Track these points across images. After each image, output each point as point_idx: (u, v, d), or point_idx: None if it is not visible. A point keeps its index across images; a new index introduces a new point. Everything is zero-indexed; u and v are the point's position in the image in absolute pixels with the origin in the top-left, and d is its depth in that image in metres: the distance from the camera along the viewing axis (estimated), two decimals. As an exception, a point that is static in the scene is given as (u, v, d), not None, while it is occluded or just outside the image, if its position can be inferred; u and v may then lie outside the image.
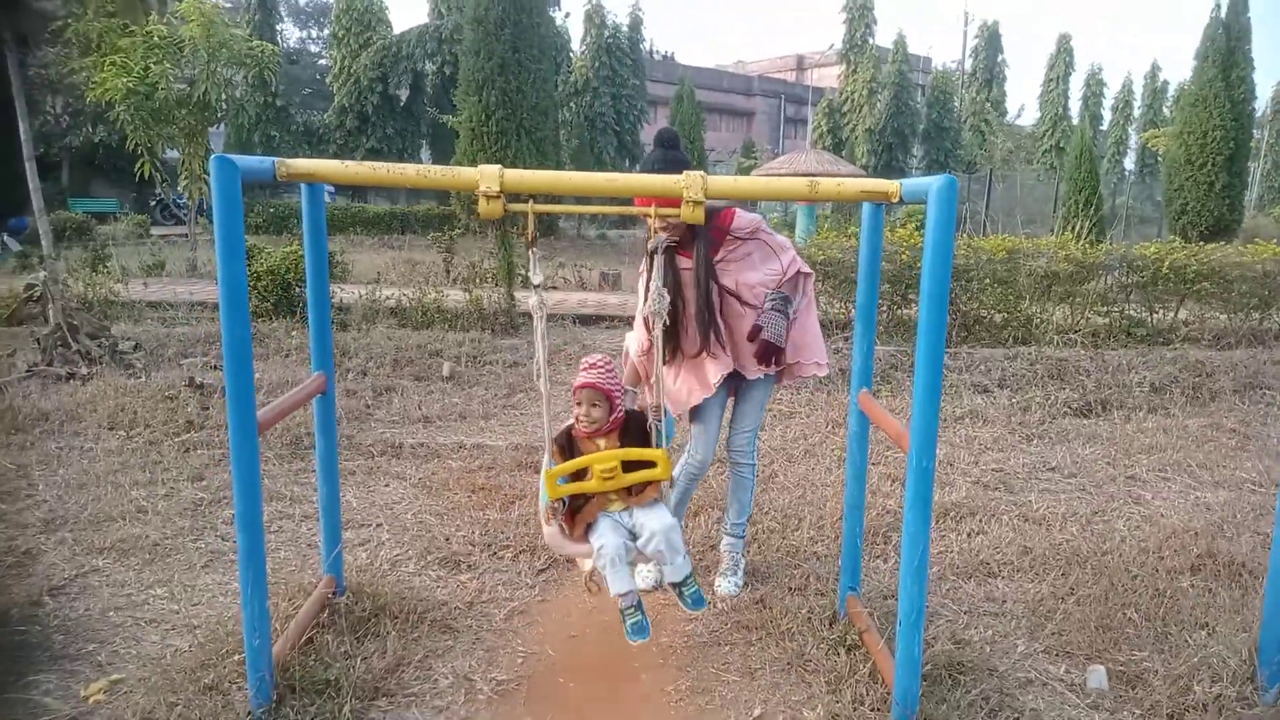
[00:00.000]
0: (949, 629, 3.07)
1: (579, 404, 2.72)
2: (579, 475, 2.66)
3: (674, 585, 2.73)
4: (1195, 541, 3.77)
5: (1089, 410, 6.10)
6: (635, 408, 3.14)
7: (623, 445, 2.72)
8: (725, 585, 3.34)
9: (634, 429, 2.77)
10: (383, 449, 4.91)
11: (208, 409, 5.29)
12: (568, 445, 2.76)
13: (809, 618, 3.03)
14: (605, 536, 2.65)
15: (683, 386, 3.23)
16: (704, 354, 3.14)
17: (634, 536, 2.69)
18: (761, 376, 3.23)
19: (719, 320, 3.11)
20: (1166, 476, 4.82)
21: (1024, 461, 5.00)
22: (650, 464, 2.67)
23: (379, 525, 3.90)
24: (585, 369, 2.75)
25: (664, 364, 3.19)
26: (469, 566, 3.50)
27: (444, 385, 6.29)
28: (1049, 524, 4.05)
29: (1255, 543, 3.83)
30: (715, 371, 3.14)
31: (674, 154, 3.03)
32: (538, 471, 3.03)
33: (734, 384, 3.31)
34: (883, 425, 2.64)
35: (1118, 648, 2.94)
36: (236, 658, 2.63)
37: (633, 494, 2.71)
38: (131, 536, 3.63)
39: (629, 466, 2.65)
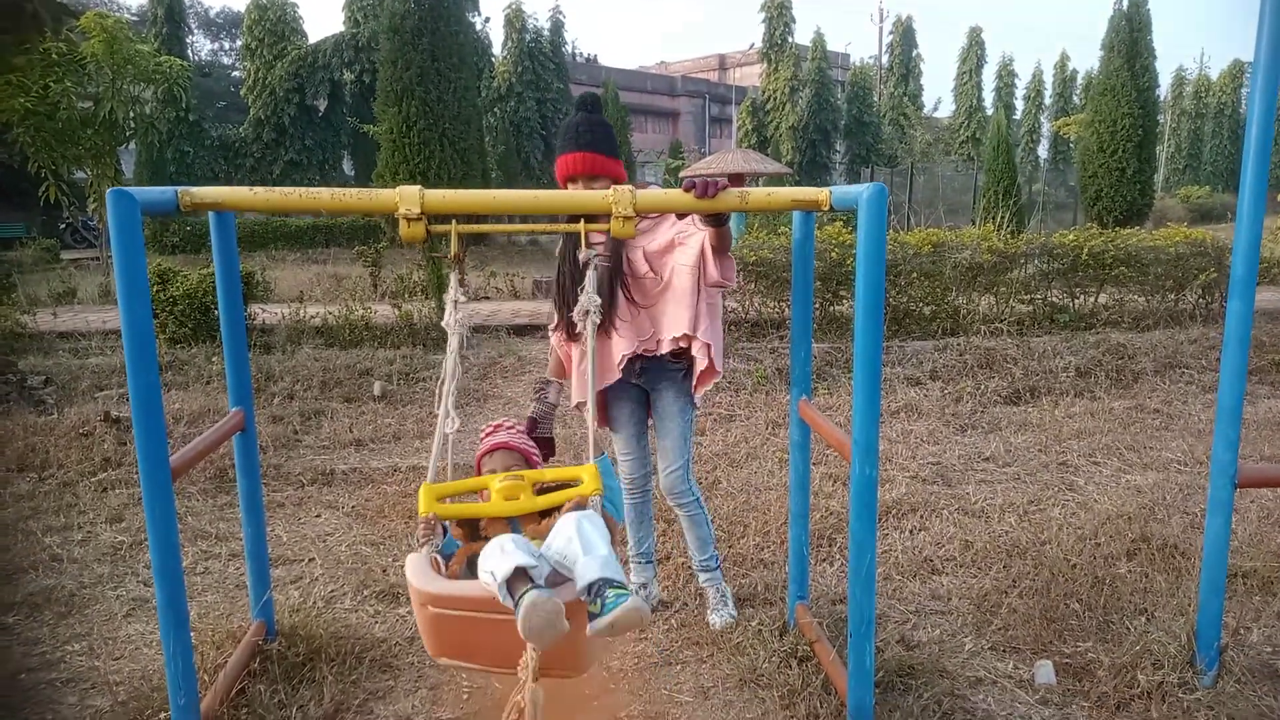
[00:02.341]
0: (897, 631, 3.07)
1: (493, 472, 2.25)
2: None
3: (587, 590, 1.82)
4: (1129, 526, 3.85)
5: (1018, 398, 6.23)
6: (551, 403, 2.98)
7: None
8: (719, 620, 3.14)
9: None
10: (313, 477, 4.73)
11: (125, 444, 5.03)
12: (469, 527, 2.18)
13: (759, 630, 2.99)
14: (502, 537, 1.93)
15: (586, 372, 3.05)
16: (606, 332, 2.92)
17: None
18: (669, 362, 2.98)
19: (620, 293, 2.91)
20: (1097, 461, 4.93)
21: (959, 453, 5.07)
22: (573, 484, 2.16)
23: (311, 560, 3.75)
24: (490, 431, 2.41)
25: (565, 345, 3.07)
26: (408, 599, 3.38)
27: (376, 406, 6.12)
28: (988, 516, 4.10)
29: (1185, 523, 3.94)
30: (619, 350, 2.94)
31: (596, 117, 2.86)
32: None
33: (649, 405, 3.15)
34: (825, 435, 2.62)
35: (1063, 640, 2.98)
36: (163, 716, 2.48)
37: (545, 520, 2.11)
38: (45, 588, 3.42)
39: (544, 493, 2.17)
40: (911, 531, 3.95)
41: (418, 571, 1.97)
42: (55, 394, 6.22)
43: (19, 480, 4.62)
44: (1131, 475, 4.68)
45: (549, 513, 2.13)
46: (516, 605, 1.73)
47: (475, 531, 2.16)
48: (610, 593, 1.78)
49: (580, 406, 3.07)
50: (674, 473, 3.11)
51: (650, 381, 3.09)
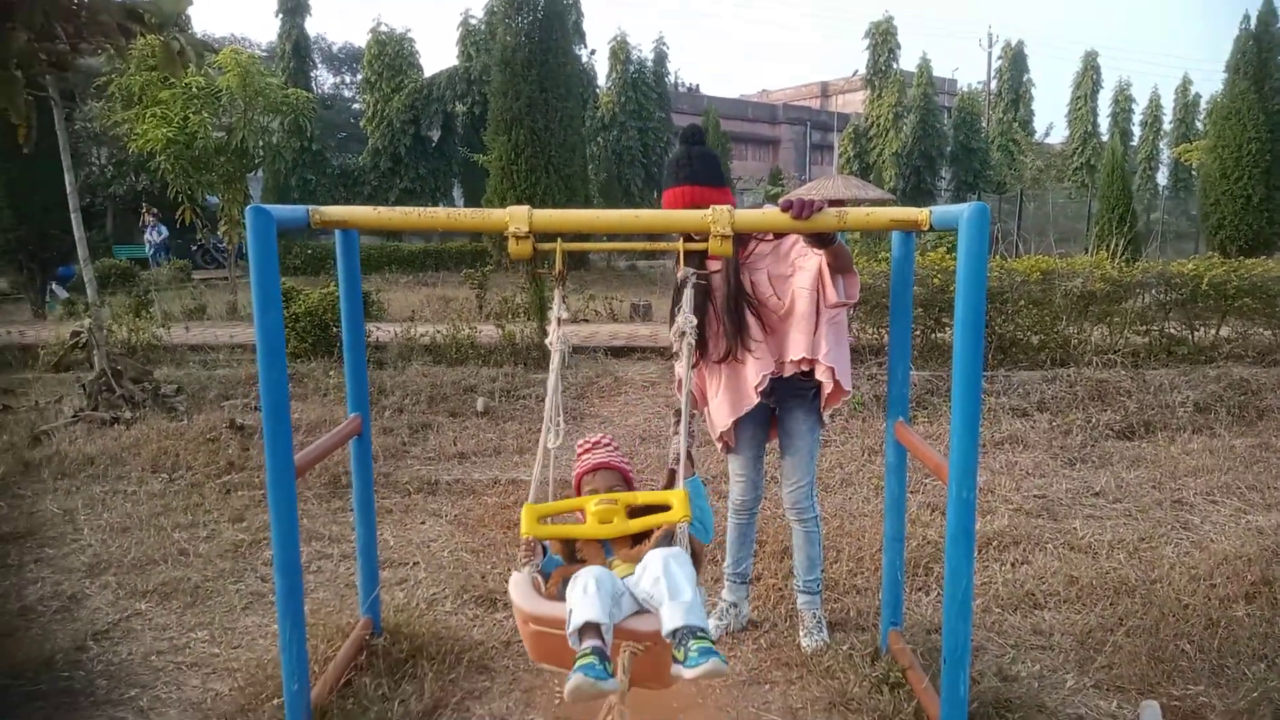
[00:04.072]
0: (995, 664, 3.00)
1: (594, 492, 2.31)
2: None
3: (672, 635, 1.88)
4: (1249, 568, 3.65)
5: (1132, 432, 5.98)
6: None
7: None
8: (811, 642, 3.13)
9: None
10: (419, 486, 4.94)
11: (248, 449, 5.36)
12: (567, 547, 2.28)
13: (850, 654, 2.97)
14: (592, 570, 2.01)
15: (724, 401, 3.06)
16: (740, 358, 2.98)
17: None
18: (799, 381, 3.00)
19: (748, 317, 2.96)
20: (1215, 500, 4.69)
21: (1067, 487, 4.90)
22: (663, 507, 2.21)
23: (416, 564, 3.91)
24: (588, 448, 2.42)
25: (698, 372, 3.13)
26: (505, 605, 3.49)
27: (478, 421, 6.33)
28: (1095, 552, 3.96)
29: (1313, 568, 3.71)
30: (756, 373, 2.96)
31: (697, 149, 2.92)
32: None
33: (774, 423, 3.20)
34: (921, 456, 2.60)
35: (1171, 681, 2.85)
36: (276, 702, 2.64)
37: (637, 546, 2.19)
38: (174, 579, 3.68)
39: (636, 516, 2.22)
40: (1014, 564, 3.85)
41: (520, 590, 2.10)
42: (185, 402, 6.66)
43: (152, 480, 4.97)
44: (1253, 516, 4.43)
45: (640, 536, 2.19)
46: (573, 668, 1.81)
47: (572, 551, 2.26)
48: (694, 645, 1.84)
49: (720, 437, 3.14)
50: (800, 488, 3.15)
51: (780, 400, 3.13)
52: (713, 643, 1.86)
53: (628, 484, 2.41)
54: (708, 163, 2.91)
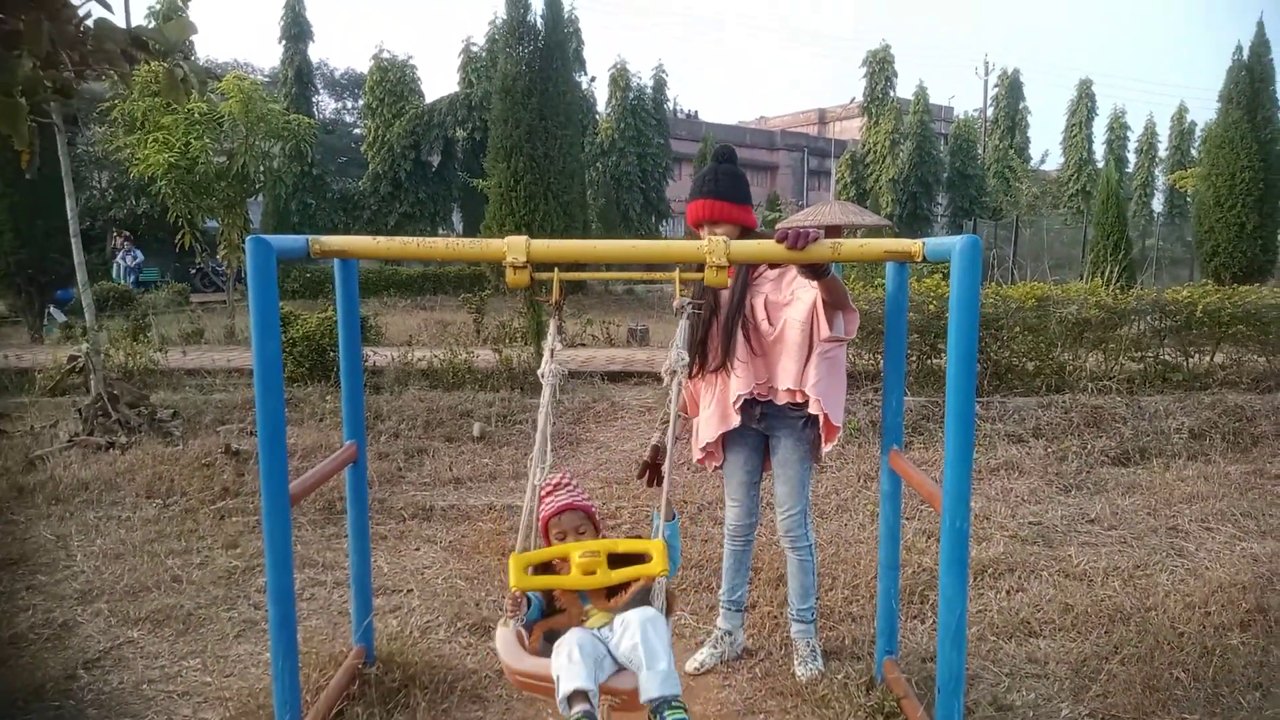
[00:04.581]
0: (990, 693, 2.99)
1: (561, 536, 2.35)
2: (547, 569, 2.30)
3: (650, 704, 2.02)
4: (1243, 596, 3.66)
5: (1127, 459, 5.99)
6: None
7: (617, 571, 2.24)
8: (806, 672, 3.13)
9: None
10: (414, 512, 4.93)
11: (243, 475, 5.35)
12: (547, 594, 2.33)
13: (845, 684, 2.96)
14: (574, 636, 2.11)
15: (713, 414, 3.09)
16: (728, 373, 3.03)
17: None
18: (790, 410, 3.02)
19: (740, 334, 3.01)
20: (1210, 527, 4.69)
21: (1062, 513, 4.90)
22: (643, 557, 2.24)
23: (410, 591, 3.90)
24: (551, 490, 2.40)
25: (694, 382, 3.17)
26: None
27: (474, 446, 6.33)
28: (1090, 579, 3.96)
29: (1308, 596, 3.71)
30: (734, 390, 3.00)
31: (725, 167, 3.01)
32: None
33: (766, 451, 3.20)
34: (915, 485, 2.61)
35: (1166, 710, 2.85)
36: (268, 731, 2.63)
37: (613, 597, 2.27)
38: (166, 607, 3.66)
39: (615, 564, 2.26)
40: (1009, 592, 3.85)
41: (507, 647, 2.21)
42: (181, 426, 6.65)
43: (147, 506, 4.96)
44: (1248, 543, 4.44)
45: (619, 587, 2.27)
46: None
47: (551, 598, 2.34)
48: (668, 715, 1.99)
49: (703, 450, 3.17)
50: (792, 516, 3.15)
51: (770, 427, 3.14)
52: (685, 711, 2.01)
53: (592, 521, 2.42)
54: (734, 181, 3.00)
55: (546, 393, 2.34)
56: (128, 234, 20.47)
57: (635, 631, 2.08)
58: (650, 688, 2.02)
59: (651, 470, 3.08)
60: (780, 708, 2.96)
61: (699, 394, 3.22)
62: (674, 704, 2.01)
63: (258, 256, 2.25)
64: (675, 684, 2.04)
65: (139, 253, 20.59)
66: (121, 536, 4.46)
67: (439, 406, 7.03)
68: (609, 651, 2.13)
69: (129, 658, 3.28)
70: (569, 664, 2.03)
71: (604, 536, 2.40)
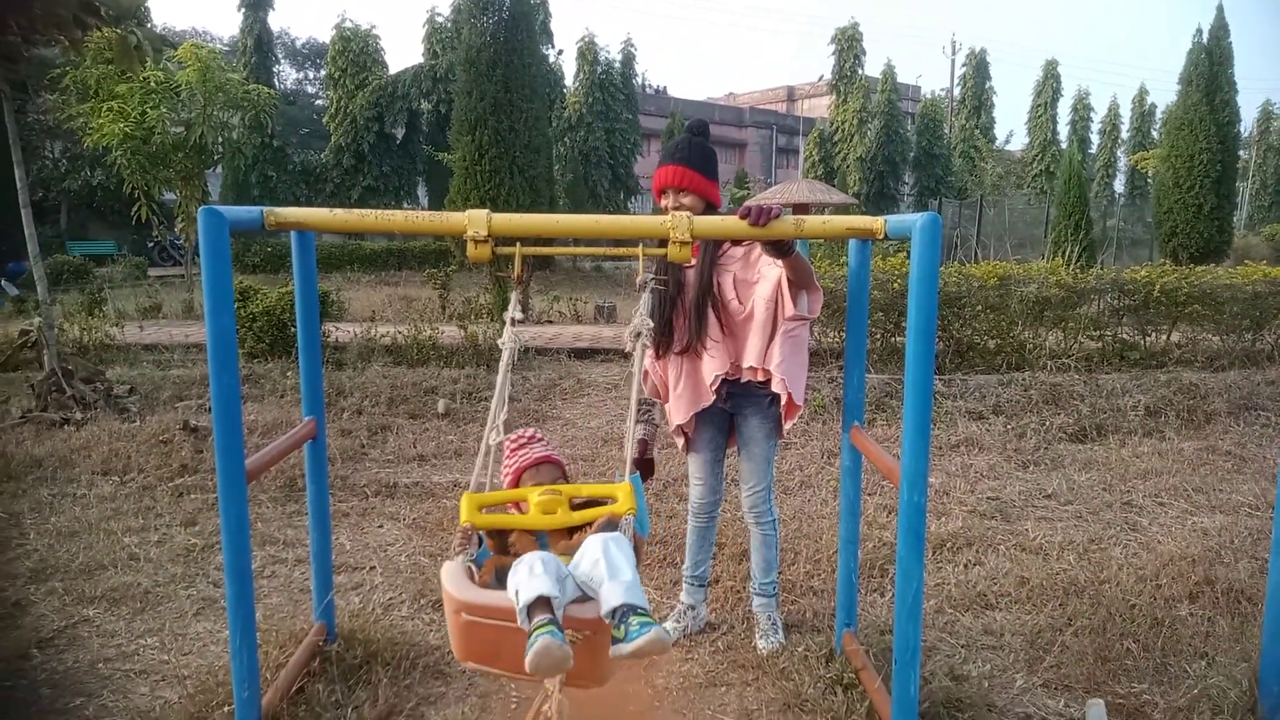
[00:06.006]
0: (946, 664, 3.04)
1: (539, 485, 2.25)
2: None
3: (612, 614, 1.83)
4: (1193, 568, 3.75)
5: (1084, 435, 6.10)
6: (655, 424, 3.06)
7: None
8: (767, 645, 3.15)
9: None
10: (377, 489, 4.89)
11: (202, 452, 5.27)
12: (500, 539, 2.18)
13: (805, 656, 3.00)
14: (536, 553, 1.96)
15: (684, 396, 3.08)
16: (699, 354, 3.02)
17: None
18: (755, 388, 3.03)
19: (711, 314, 3.00)
20: (1163, 501, 4.80)
21: (1020, 489, 4.99)
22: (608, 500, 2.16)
23: (372, 568, 3.88)
24: (524, 442, 2.38)
25: (661, 364, 3.15)
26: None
27: (439, 423, 6.29)
28: (1046, 553, 4.04)
29: (1253, 568, 3.82)
30: (710, 371, 3.00)
31: (699, 139, 2.98)
32: None
33: (733, 430, 3.22)
34: (874, 460, 2.64)
35: (1117, 680, 2.92)
36: (226, 709, 2.60)
37: (573, 537, 2.13)
38: (123, 585, 3.61)
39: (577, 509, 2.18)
40: (966, 566, 3.91)
41: (453, 579, 2.03)
42: (138, 402, 6.53)
43: (103, 483, 4.87)
44: (1198, 517, 4.55)
45: (577, 528, 2.15)
46: (530, 638, 1.75)
47: (505, 544, 2.17)
48: (634, 620, 1.80)
49: (677, 430, 3.17)
50: (757, 492, 3.18)
51: (736, 406, 3.15)
52: (651, 617, 1.81)
53: (566, 479, 2.39)
54: (705, 154, 2.98)
55: (505, 356, 2.30)
56: None
57: (596, 548, 1.91)
58: (612, 597, 1.82)
59: (643, 466, 3.13)
60: (742, 680, 2.99)
61: (667, 376, 3.19)
62: (639, 610, 1.81)
63: (210, 228, 2.20)
64: (640, 595, 1.85)
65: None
66: (77, 514, 4.38)
67: (403, 383, 6.96)
68: (570, 574, 1.93)
69: (84, 636, 3.23)
70: (530, 575, 1.84)
71: None
